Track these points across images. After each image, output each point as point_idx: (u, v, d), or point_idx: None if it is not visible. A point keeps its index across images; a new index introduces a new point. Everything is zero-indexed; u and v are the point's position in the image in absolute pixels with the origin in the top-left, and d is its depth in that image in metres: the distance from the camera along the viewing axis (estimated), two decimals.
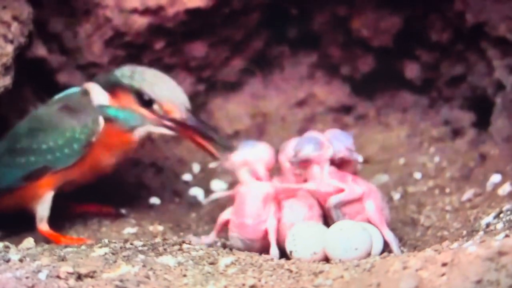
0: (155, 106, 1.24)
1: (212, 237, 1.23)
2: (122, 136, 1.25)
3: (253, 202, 1.17)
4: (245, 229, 1.17)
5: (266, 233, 1.17)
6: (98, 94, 1.26)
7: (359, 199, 1.18)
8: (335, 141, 1.21)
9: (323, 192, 1.18)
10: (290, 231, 1.16)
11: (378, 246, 1.15)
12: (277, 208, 1.18)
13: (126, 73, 1.25)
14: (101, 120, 1.24)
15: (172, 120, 1.24)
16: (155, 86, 1.23)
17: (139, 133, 1.25)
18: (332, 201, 1.17)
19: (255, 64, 1.54)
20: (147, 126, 1.25)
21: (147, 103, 1.24)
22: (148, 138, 1.29)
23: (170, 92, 1.24)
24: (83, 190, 1.29)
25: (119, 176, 1.31)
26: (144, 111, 1.24)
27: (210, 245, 1.19)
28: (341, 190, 1.18)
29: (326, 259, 1.12)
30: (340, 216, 1.17)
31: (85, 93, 1.27)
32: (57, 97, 1.30)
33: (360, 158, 1.21)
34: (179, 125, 1.24)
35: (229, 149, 1.23)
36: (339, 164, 1.21)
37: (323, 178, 1.19)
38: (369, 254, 1.12)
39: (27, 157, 1.24)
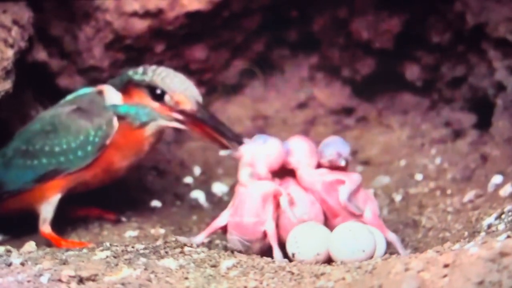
0: (166, 98, 1.23)
1: (201, 238, 1.19)
2: (134, 134, 1.25)
3: (252, 201, 1.16)
4: (243, 228, 1.16)
5: (265, 235, 1.15)
6: (111, 95, 1.26)
7: (359, 188, 1.18)
8: (328, 146, 1.19)
9: (312, 179, 1.18)
10: (291, 233, 1.15)
11: (381, 249, 1.15)
12: (275, 209, 1.17)
13: (139, 70, 1.25)
14: (115, 122, 1.24)
15: (182, 112, 1.24)
16: (166, 78, 1.24)
17: (151, 128, 1.25)
18: (343, 196, 1.16)
19: (256, 67, 1.55)
20: (158, 121, 1.24)
21: (159, 96, 1.24)
22: (159, 138, 1.28)
23: (181, 84, 1.24)
24: (84, 193, 1.29)
25: (121, 179, 1.31)
26: (155, 104, 1.24)
27: (198, 246, 1.17)
28: (341, 181, 1.17)
29: (329, 261, 1.12)
30: (359, 207, 1.17)
31: (99, 94, 1.27)
32: (68, 98, 1.30)
33: (343, 162, 1.17)
34: (189, 117, 1.24)
35: (239, 142, 1.21)
36: (333, 169, 1.19)
37: (309, 172, 1.19)
38: (371, 257, 1.12)
39: (39, 159, 1.24)
